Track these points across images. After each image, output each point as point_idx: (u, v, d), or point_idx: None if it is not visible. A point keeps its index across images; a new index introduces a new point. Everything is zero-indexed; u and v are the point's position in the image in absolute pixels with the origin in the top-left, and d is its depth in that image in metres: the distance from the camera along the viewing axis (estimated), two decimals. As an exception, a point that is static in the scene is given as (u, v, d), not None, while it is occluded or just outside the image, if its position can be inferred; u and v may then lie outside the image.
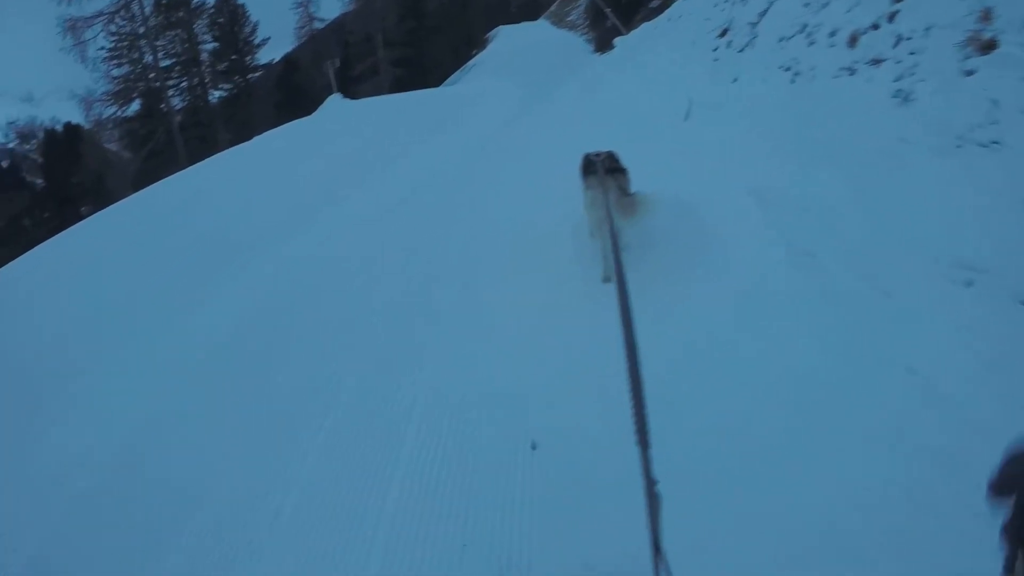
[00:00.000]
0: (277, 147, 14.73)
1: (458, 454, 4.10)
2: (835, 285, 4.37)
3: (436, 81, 40.86)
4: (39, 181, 46.05)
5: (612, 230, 4.40)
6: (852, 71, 6.20)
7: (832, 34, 6.95)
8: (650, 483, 1.80)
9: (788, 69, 7.33)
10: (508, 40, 46.02)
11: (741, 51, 9.08)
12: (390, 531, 3.63)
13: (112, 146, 46.00)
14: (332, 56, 45.10)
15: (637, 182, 5.53)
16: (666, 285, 4.97)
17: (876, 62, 5.98)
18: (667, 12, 18.59)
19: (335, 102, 25.53)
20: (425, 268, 6.96)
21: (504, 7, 61.18)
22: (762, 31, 8.81)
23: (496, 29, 51.29)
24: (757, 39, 8.81)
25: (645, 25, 20.06)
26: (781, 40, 8.07)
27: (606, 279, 5.31)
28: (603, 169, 5.48)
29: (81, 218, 20.40)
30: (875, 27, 6.29)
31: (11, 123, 71.47)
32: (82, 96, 42.40)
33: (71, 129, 45.59)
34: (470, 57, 47.30)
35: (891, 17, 6.18)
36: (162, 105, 41.15)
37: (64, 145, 44.28)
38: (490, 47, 46.95)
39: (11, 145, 64.34)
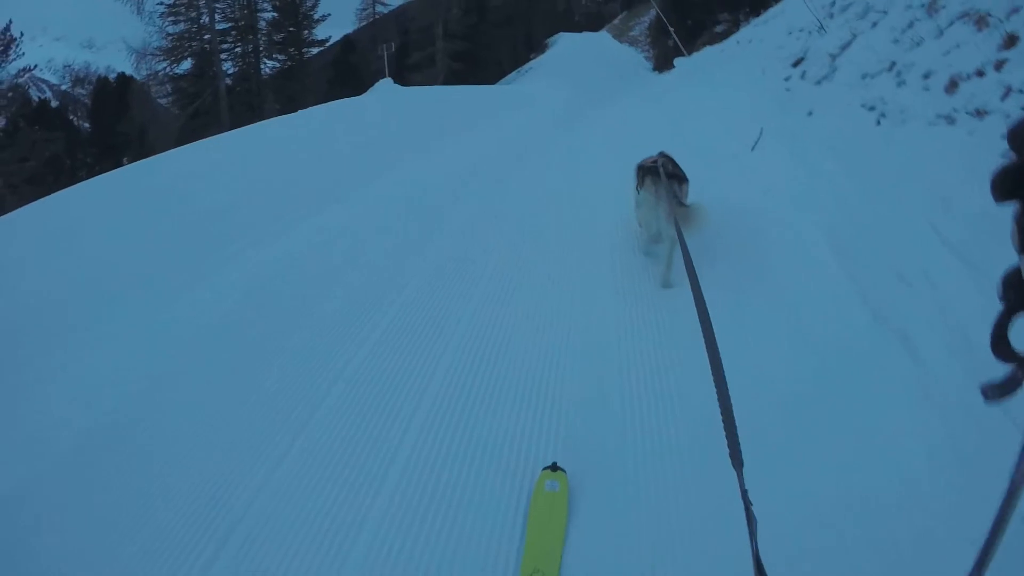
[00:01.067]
0: (315, 124, 14.09)
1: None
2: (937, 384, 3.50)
3: (492, 79, 40.47)
4: (87, 125, 46.12)
5: (679, 233, 4.23)
6: (951, 120, 5.53)
7: (926, 76, 6.29)
8: (747, 503, 1.76)
9: (873, 109, 6.66)
10: (568, 47, 45.76)
11: (818, 83, 8.44)
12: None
13: (162, 101, 45.83)
14: (390, 41, 44.76)
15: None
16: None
17: (980, 113, 5.32)
18: (735, 36, 18.10)
19: (385, 86, 25.14)
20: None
21: (568, 14, 61.12)
22: (843, 65, 8.18)
23: (557, 35, 51.13)
24: (836, 73, 8.17)
25: (708, 48, 19.64)
26: (865, 77, 7.42)
27: (666, 285, 5.10)
28: (664, 173, 5.19)
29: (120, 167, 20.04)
30: (980, 74, 5.64)
31: (67, 66, 72.35)
32: (135, 48, 42.27)
33: (123, 79, 45.77)
34: (528, 59, 47.03)
35: (999, 65, 5.53)
36: (213, 68, 40.83)
37: (114, 94, 44.48)
38: (549, 52, 46.73)
39: (64, 87, 65.04)
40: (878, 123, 6.42)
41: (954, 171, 4.91)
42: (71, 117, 48.19)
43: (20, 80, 37.11)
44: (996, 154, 4.91)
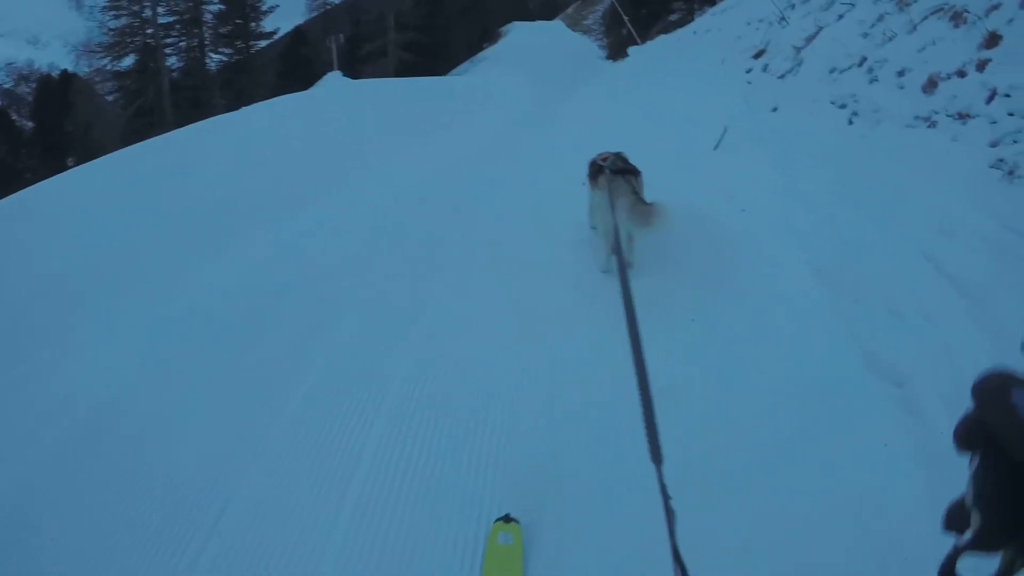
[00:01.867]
0: (256, 124, 13.35)
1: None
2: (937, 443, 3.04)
3: (444, 70, 39.81)
4: (30, 125, 44.79)
5: (616, 231, 4.08)
6: (932, 123, 5.12)
7: (901, 73, 5.91)
8: (666, 498, 1.79)
9: (844, 106, 6.27)
10: (521, 36, 45.20)
11: (781, 77, 8.01)
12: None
13: (110, 98, 44.42)
14: (341, 33, 43.89)
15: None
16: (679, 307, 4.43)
17: (963, 116, 4.91)
18: (692, 25, 17.69)
19: (334, 80, 24.39)
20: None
21: (522, 4, 60.55)
22: (809, 58, 7.75)
23: (510, 24, 50.56)
24: (802, 67, 7.74)
25: (663, 37, 19.28)
26: (833, 71, 7.01)
27: (605, 271, 4.97)
28: (611, 170, 4.90)
29: (64, 169, 18.79)
30: (961, 74, 5.24)
31: (10, 64, 70.36)
32: (75, 44, 40.90)
33: (66, 76, 44.36)
34: (481, 49, 46.43)
35: (981, 66, 5.12)
36: (156, 63, 39.28)
37: (57, 92, 43.12)
38: (502, 41, 46.12)
39: (7, 86, 63.18)
40: (850, 122, 6.04)
41: (943, 185, 4.51)
42: (14, 117, 46.69)
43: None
44: (984, 164, 4.49)
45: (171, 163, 10.70)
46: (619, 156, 5.21)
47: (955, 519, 1.09)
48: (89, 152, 28.71)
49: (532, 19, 53.63)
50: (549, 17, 55.98)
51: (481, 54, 43.94)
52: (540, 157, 8.99)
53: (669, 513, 1.75)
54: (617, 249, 3.40)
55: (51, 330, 5.56)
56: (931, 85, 5.42)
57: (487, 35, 50.62)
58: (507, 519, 3.05)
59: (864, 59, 6.62)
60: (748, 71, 9.15)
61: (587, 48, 39.93)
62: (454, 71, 40.17)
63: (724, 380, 3.67)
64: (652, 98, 10.79)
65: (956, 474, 2.53)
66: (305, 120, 13.89)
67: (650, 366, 2.64)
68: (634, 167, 5.04)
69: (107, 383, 4.66)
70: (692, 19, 20.66)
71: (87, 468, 3.83)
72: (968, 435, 1.04)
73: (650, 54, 17.36)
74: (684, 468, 2.39)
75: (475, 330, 4.59)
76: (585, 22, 49.80)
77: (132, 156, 12.16)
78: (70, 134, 41.07)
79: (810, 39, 8.12)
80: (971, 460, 1.05)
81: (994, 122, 4.66)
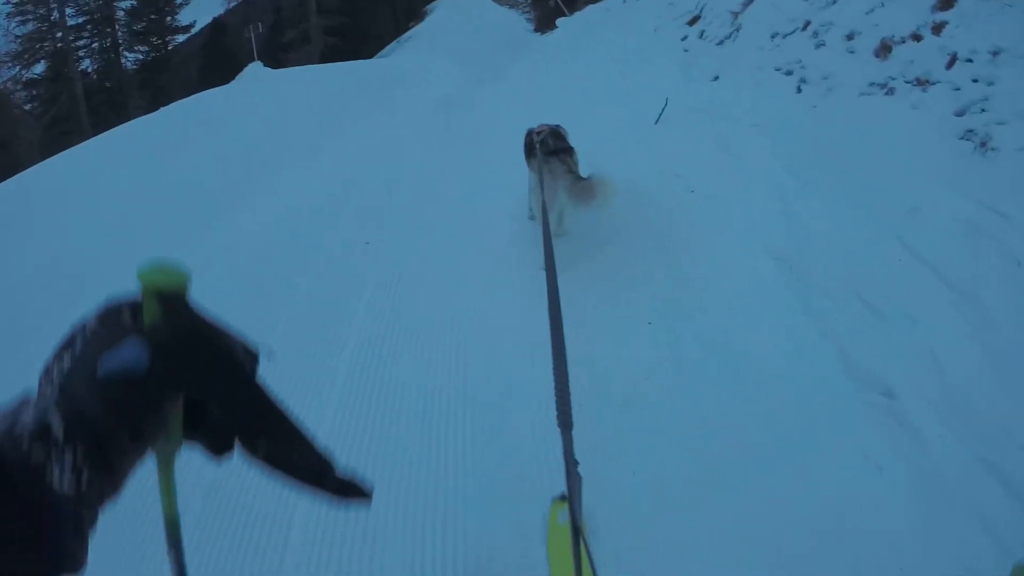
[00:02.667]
0: (155, 135, 12.68)
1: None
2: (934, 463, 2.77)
3: (371, 52, 38.88)
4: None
5: (544, 212, 3.81)
6: (889, 90, 4.77)
7: (850, 37, 5.57)
8: (571, 464, 1.76)
9: (790, 73, 5.91)
10: (447, 13, 44.38)
11: (720, 44, 7.62)
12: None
13: (28, 107, 42.61)
14: (263, 22, 42.73)
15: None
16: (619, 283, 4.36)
17: (922, 83, 4.57)
18: (620, -8, 17.23)
19: (254, 71, 23.54)
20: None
21: (446, -21, 59.59)
22: (747, 23, 7.37)
23: (436, 2, 49.74)
24: (741, 32, 7.35)
25: (591, 7, 18.82)
26: (775, 36, 6.64)
27: (558, 234, 4.75)
28: (545, 150, 4.77)
29: None
30: (916, 37, 4.91)
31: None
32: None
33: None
34: (407, 29, 45.63)
35: (937, 28, 4.79)
36: (67, 69, 37.58)
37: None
38: (429, 19, 45.31)
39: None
40: (798, 90, 5.68)
41: (908, 160, 4.17)
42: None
43: None
44: (952, 135, 4.15)
45: (74, 185, 10.05)
46: (554, 130, 5.08)
47: None
48: (5, 170, 27.37)
49: (457, -5, 52.89)
50: (474, -8, 55.19)
51: (408, 34, 43.12)
52: (470, 145, 8.62)
53: (574, 479, 1.73)
54: (545, 236, 3.18)
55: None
56: (884, 50, 5.08)
57: (412, 14, 49.82)
58: (564, 498, 2.76)
59: (808, 23, 6.26)
60: (684, 39, 8.73)
61: (514, 22, 39.41)
62: (381, 53, 39.28)
63: (687, 391, 3.33)
64: (585, 71, 10.33)
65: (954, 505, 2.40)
66: (215, 122, 13.14)
67: (606, 375, 2.98)
68: (568, 145, 4.90)
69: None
70: None
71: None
72: None
73: (580, 25, 16.84)
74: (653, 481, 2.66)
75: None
76: (511, -5, 49.13)
77: (37, 178, 11.62)
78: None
79: (747, 3, 7.73)
80: None
81: (957, 88, 4.34)
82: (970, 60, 4.38)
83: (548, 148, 4.78)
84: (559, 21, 20.16)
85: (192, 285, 0.83)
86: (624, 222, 4.85)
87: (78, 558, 0.72)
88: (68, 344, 0.80)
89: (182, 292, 0.84)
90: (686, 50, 8.27)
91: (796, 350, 3.38)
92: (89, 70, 39.67)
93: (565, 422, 1.88)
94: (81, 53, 39.02)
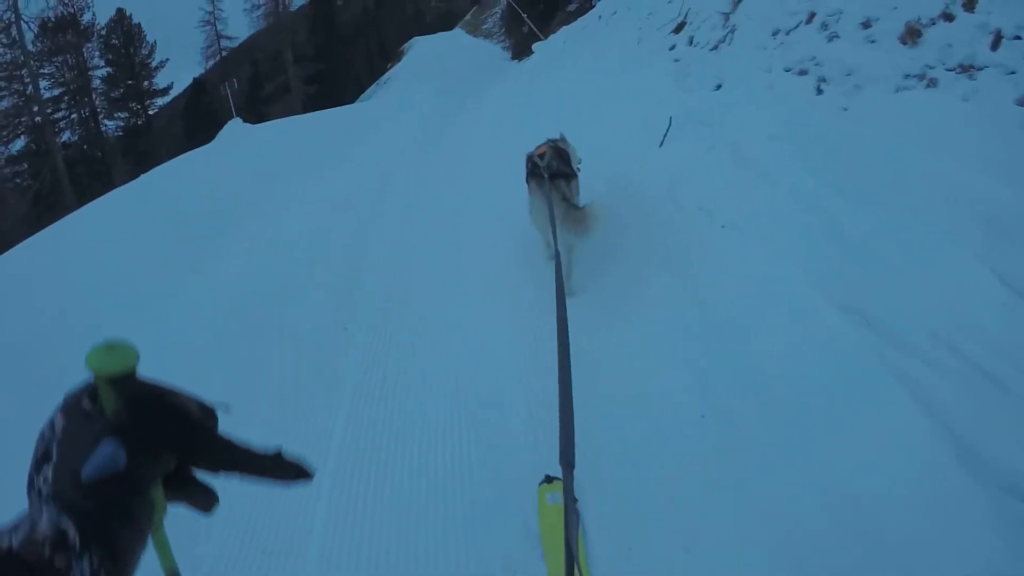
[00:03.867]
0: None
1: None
2: None
3: (351, 97, 39.00)
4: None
5: (555, 242, 4.01)
6: (930, 81, 4.14)
7: (866, 25, 4.95)
8: (570, 501, 1.80)
9: (804, 73, 5.26)
10: (424, 51, 44.58)
11: (714, 49, 7.02)
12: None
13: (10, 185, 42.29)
14: (241, 77, 42.62)
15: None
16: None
17: (967, 69, 3.97)
18: (595, 10, 16.76)
19: (234, 127, 23.08)
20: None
21: (419, 17, 60.10)
22: (742, 23, 6.77)
23: (411, 40, 50.01)
24: (737, 33, 6.76)
25: (565, 28, 18.48)
26: (777, 34, 6.03)
27: (569, 294, 4.24)
28: (546, 174, 4.65)
29: None
30: (947, 17, 4.31)
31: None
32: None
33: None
34: (385, 70, 45.65)
35: (969, 4, 4.22)
36: (45, 143, 37.11)
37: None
38: (406, 59, 45.47)
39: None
40: (819, 91, 5.01)
41: (972, 163, 3.51)
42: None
43: None
44: (1017, 128, 3.55)
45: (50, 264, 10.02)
46: (557, 148, 4.96)
47: None
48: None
49: (432, 32, 53.15)
50: (448, 27, 55.56)
51: (386, 75, 43.12)
52: (449, 184, 8.22)
53: (571, 516, 1.75)
54: (557, 270, 3.29)
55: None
56: (911, 35, 4.45)
57: (389, 55, 49.95)
58: (549, 479, 3.13)
59: (812, 14, 5.65)
60: (671, 48, 8.16)
61: (491, 52, 39.30)
62: (362, 97, 39.20)
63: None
64: (569, 94, 9.69)
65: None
66: (195, 182, 13.19)
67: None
68: (568, 170, 4.79)
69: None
70: (592, 5, 20.19)
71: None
72: None
73: (556, 47, 16.38)
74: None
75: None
76: (484, 27, 49.27)
77: (26, 253, 11.75)
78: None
79: (738, 1, 7.20)
80: None
81: (1012, 72, 3.73)
82: (1018, 37, 3.81)
83: (552, 170, 4.64)
84: (535, 46, 19.83)
85: (140, 360, 0.86)
86: (644, 266, 4.40)
87: None
88: (44, 456, 0.85)
89: (131, 371, 0.89)
90: (677, 59, 7.67)
91: (905, 446, 2.67)
92: (70, 141, 39.30)
93: (568, 461, 1.93)
94: (62, 124, 38.67)
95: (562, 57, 13.86)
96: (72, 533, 0.77)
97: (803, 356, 3.25)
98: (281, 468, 0.99)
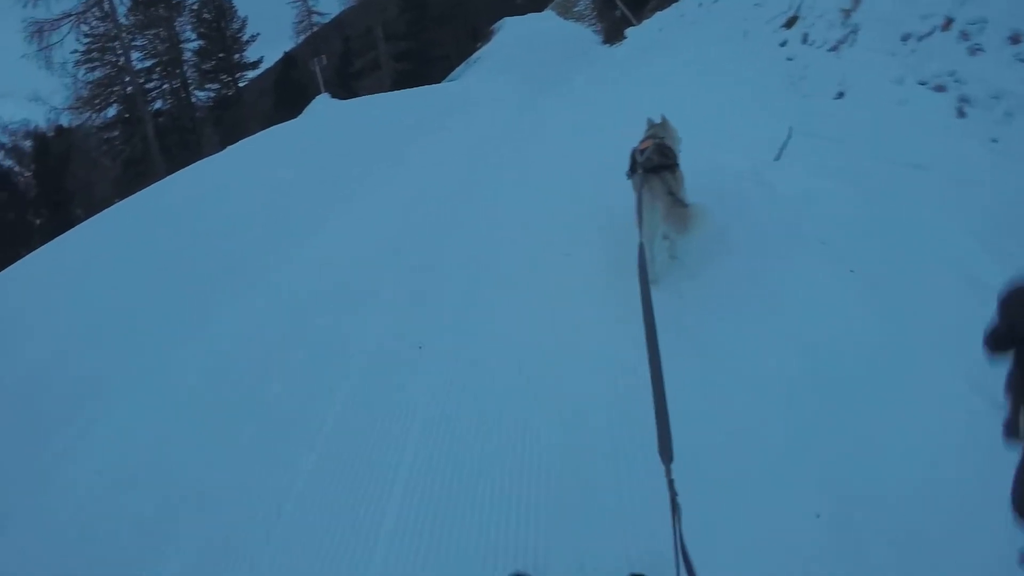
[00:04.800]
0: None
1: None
2: None
3: (440, 76, 38.72)
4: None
5: (648, 237, 4.18)
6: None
7: (1015, 40, 4.28)
8: (673, 494, 1.87)
9: (942, 90, 4.58)
10: (514, 32, 44.10)
11: (834, 50, 6.39)
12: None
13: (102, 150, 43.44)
14: (331, 53, 42.82)
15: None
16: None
17: None
18: (692, -6, 16.02)
19: (322, 103, 23.02)
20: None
21: (508, -2, 59.65)
22: (866, 23, 6.12)
23: (501, 21, 49.60)
24: (860, 35, 6.11)
25: (659, 14, 17.79)
26: (907, 39, 5.38)
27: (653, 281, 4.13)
28: (644, 168, 4.49)
29: (73, 222, 19.34)
30: None
31: (6, 125, 70.19)
32: (47, 102, 39.52)
33: (61, 133, 43.37)
34: (475, 50, 45.33)
35: None
36: (136, 112, 37.72)
37: (54, 149, 42.40)
38: (495, 39, 45.07)
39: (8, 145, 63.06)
40: (960, 113, 4.36)
41: None
42: (25, 173, 46.49)
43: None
44: None
45: (155, 219, 10.61)
46: (659, 145, 4.66)
47: (1012, 427, 1.23)
48: (93, 205, 28.40)
49: (522, 12, 52.63)
50: (539, 8, 54.92)
51: (475, 55, 42.77)
52: (536, 180, 7.65)
53: (675, 509, 1.81)
54: (641, 258, 3.28)
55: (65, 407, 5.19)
56: None
57: (478, 34, 49.63)
58: None
59: (950, 20, 4.99)
60: (782, 44, 7.53)
61: (581, 35, 38.48)
62: (450, 76, 38.93)
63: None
64: (667, 88, 9.01)
65: None
66: (279, 156, 13.26)
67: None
68: (671, 162, 4.54)
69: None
70: None
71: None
72: (998, 340, 1.22)
73: (651, 34, 15.74)
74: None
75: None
76: (576, 9, 48.46)
77: (119, 214, 12.34)
78: (71, 192, 40.06)
79: (860, -2, 6.54)
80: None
81: None
82: None
83: (651, 164, 4.45)
84: (628, 31, 19.30)
85: None
86: (748, 301, 3.92)
87: None
88: None
89: None
90: (789, 58, 7.04)
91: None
92: (162, 110, 39.98)
93: (666, 454, 1.98)
94: (152, 94, 39.35)
95: (657, 45, 13.25)
96: None
97: (933, 442, 2.72)
98: None
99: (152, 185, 15.14)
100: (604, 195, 5.71)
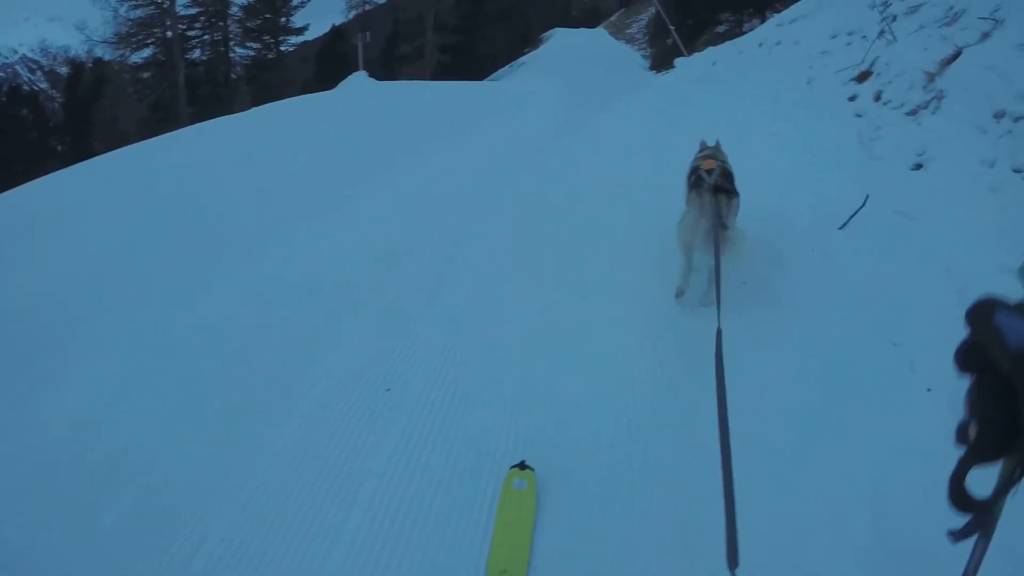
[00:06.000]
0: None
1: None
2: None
3: (482, 74, 38.56)
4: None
5: (686, 248, 4.23)
6: None
7: None
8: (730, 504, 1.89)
9: None
10: (563, 43, 44.04)
11: (912, 115, 5.83)
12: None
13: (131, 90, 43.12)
14: (380, 33, 42.61)
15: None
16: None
17: None
18: (754, 35, 15.44)
19: (358, 80, 22.57)
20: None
21: (564, 10, 59.70)
22: (953, 91, 5.56)
23: (552, 30, 49.63)
24: (945, 102, 5.56)
25: (713, 49, 17.44)
26: (1002, 117, 4.81)
27: (679, 293, 4.56)
28: (710, 187, 4.33)
29: (92, 154, 18.56)
30: None
31: (44, 49, 70.17)
32: (90, 34, 39.40)
33: (99, 64, 43.29)
34: (522, 54, 45.06)
35: None
36: (170, 57, 37.25)
37: (87, 79, 42.50)
38: (544, 47, 44.96)
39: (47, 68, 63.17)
40: None
41: None
42: (58, 98, 46.94)
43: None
44: None
45: (170, 165, 10.34)
46: (724, 169, 4.53)
47: (962, 434, 1.10)
48: (113, 141, 27.79)
49: (574, 26, 52.51)
50: (592, 25, 54.95)
51: (521, 59, 42.50)
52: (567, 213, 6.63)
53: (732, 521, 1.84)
54: (715, 286, 3.21)
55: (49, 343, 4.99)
56: None
57: (528, 40, 49.47)
58: (522, 466, 3.18)
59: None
60: (851, 99, 6.96)
61: (630, 57, 38.35)
62: (492, 75, 38.60)
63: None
64: (717, 126, 8.28)
65: None
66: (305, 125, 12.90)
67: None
68: (731, 186, 4.42)
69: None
70: (740, 31, 19.34)
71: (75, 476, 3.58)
72: (965, 358, 1.12)
73: (700, 67, 15.15)
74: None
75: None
76: (628, 31, 48.49)
77: (134, 154, 12.00)
78: (97, 122, 39.85)
79: (947, 62, 5.99)
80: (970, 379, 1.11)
81: None
82: None
83: (715, 185, 4.33)
84: (677, 61, 19.11)
85: None
86: (810, 420, 3.34)
87: None
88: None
89: None
90: (859, 115, 6.48)
91: None
92: (200, 60, 39.65)
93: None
94: (193, 43, 39.01)
95: (710, 80, 12.69)
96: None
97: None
98: None
99: (173, 132, 14.78)
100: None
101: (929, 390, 3.27)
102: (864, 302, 4.03)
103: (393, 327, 4.73)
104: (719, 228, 4.08)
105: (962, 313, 2.75)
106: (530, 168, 8.71)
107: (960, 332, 2.71)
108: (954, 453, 0.99)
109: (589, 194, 6.85)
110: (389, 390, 4.02)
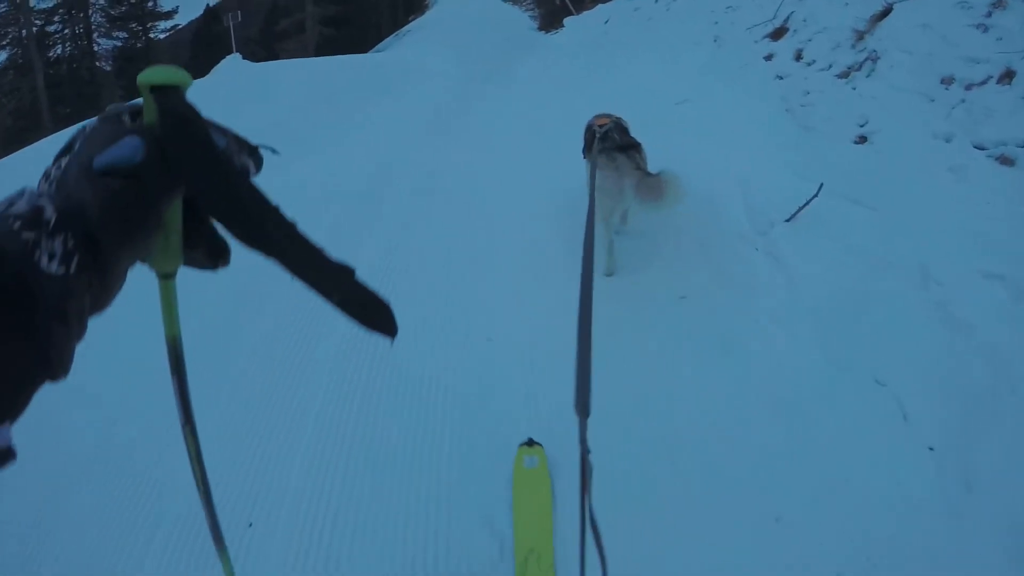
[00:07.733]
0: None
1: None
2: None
3: (367, 45, 37.36)
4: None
5: (606, 215, 4.10)
6: None
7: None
8: (584, 451, 1.72)
9: (1010, 163, 3.49)
10: (449, 7, 42.83)
11: (844, 77, 5.19)
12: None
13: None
14: (259, 12, 41.02)
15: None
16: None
17: None
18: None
19: (231, 64, 21.19)
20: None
21: (448, -30, 58.69)
22: (888, 51, 4.92)
23: (437, -5, 48.37)
24: (880, 64, 4.91)
25: (605, 6, 16.89)
26: (950, 84, 4.26)
27: (609, 273, 4.34)
28: (610, 145, 4.21)
29: None
30: None
31: None
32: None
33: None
34: (407, 22, 43.92)
35: None
36: (32, 56, 34.24)
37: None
38: (430, 12, 43.78)
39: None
40: None
41: None
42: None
43: None
44: None
45: None
46: (618, 123, 4.52)
47: None
48: None
49: (459, -13, 51.71)
50: (476, -16, 54.09)
51: (407, 27, 41.36)
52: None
53: (586, 470, 1.67)
54: (588, 238, 2.63)
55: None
56: None
57: (412, 7, 48.35)
58: (530, 443, 3.12)
59: (1011, 73, 3.89)
60: (767, 58, 6.31)
61: (517, 19, 37.60)
62: (378, 46, 37.37)
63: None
64: (615, 95, 7.47)
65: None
66: None
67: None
68: (634, 141, 4.35)
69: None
70: None
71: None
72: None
73: (592, 26, 14.53)
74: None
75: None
76: (514, -10, 47.73)
77: None
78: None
79: (877, 19, 5.32)
80: None
81: None
82: None
83: (614, 143, 4.25)
84: (566, 20, 19.22)
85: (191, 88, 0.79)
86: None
87: (62, 359, 0.71)
88: (68, 147, 0.80)
89: (178, 85, 0.80)
90: (780, 76, 5.84)
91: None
92: (62, 56, 37.10)
93: (583, 408, 1.83)
94: (54, 39, 36.44)
95: (604, 40, 11.96)
96: (49, 211, 0.71)
97: None
98: (338, 281, 0.82)
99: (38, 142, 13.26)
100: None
101: (931, 449, 2.63)
102: (830, 325, 3.35)
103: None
104: (646, 175, 4.02)
105: (948, 337, 2.27)
106: (416, 178, 7.39)
107: (946, 363, 2.05)
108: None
109: (484, 206, 5.97)
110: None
